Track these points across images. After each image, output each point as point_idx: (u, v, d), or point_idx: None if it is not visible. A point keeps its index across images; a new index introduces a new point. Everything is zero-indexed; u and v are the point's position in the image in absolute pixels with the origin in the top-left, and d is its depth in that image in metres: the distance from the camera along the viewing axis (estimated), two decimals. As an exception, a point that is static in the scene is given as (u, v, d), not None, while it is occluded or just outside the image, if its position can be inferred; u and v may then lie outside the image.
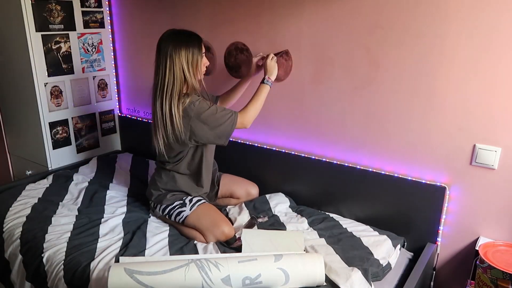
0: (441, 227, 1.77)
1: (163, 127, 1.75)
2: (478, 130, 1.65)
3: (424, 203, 1.78)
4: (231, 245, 1.71)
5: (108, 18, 2.74)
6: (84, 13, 2.58)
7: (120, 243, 1.72)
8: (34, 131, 2.54)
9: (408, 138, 1.81)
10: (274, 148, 2.21)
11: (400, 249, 1.77)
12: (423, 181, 1.78)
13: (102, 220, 1.91)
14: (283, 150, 2.17)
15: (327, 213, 2.01)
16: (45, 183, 2.33)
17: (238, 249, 1.63)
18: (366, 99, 1.88)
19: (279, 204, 2.07)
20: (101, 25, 2.70)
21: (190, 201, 1.88)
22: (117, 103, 2.94)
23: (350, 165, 1.97)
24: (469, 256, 1.77)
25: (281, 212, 2.02)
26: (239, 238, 1.67)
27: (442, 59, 1.65)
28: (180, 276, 1.36)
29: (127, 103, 2.92)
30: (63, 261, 1.62)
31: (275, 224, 1.89)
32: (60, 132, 2.60)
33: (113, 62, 2.83)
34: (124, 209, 2.03)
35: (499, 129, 1.60)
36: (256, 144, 2.28)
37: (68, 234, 1.78)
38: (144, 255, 1.64)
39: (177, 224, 1.89)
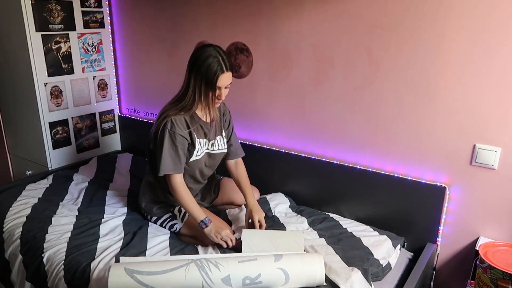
0: (441, 227, 1.77)
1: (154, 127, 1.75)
2: (478, 130, 1.65)
3: (424, 203, 1.78)
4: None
5: (108, 18, 2.74)
6: (84, 13, 2.58)
7: (120, 243, 1.72)
8: (34, 131, 2.54)
9: (408, 138, 1.81)
10: (274, 148, 2.21)
11: (400, 249, 1.77)
12: (423, 181, 1.78)
13: (103, 220, 1.91)
14: (283, 150, 2.17)
15: (327, 213, 2.01)
16: (45, 183, 2.33)
17: (238, 249, 1.63)
18: (366, 99, 1.88)
19: (279, 204, 2.07)
20: (101, 25, 2.70)
21: (180, 211, 1.85)
22: (117, 103, 2.94)
23: (350, 165, 1.97)
24: (469, 256, 1.77)
25: (281, 212, 2.02)
26: (239, 239, 1.67)
27: (442, 59, 1.65)
28: (180, 276, 1.36)
29: (127, 103, 2.92)
30: (63, 261, 1.62)
31: (275, 224, 1.89)
32: (60, 132, 2.59)
33: (113, 62, 2.83)
34: (125, 210, 2.03)
35: (499, 129, 1.60)
36: (256, 144, 2.28)
37: (68, 234, 1.78)
38: (145, 256, 1.64)
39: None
